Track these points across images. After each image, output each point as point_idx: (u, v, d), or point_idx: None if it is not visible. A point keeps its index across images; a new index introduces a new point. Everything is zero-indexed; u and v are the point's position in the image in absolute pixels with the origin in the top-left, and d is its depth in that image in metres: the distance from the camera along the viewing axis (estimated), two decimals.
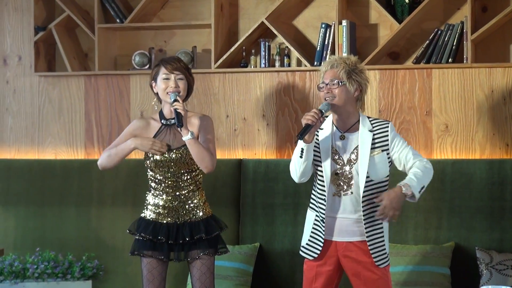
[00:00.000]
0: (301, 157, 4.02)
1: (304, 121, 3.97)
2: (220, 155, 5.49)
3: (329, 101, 4.05)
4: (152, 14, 5.84)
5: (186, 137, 4.33)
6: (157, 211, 4.44)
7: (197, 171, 4.46)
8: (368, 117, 4.17)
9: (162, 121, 4.48)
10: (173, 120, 4.42)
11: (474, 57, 5.23)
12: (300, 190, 5.34)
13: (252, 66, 5.60)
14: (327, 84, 4.06)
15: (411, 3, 5.26)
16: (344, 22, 5.30)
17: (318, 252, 4.11)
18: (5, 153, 6.03)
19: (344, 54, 4.08)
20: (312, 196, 4.20)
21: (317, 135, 4.14)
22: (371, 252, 4.06)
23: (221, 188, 5.46)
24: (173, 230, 4.40)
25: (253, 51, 5.61)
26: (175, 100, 4.33)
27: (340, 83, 4.04)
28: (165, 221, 4.41)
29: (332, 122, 4.14)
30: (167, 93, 4.39)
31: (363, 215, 4.06)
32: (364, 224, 4.06)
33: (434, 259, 5.00)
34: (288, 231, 5.36)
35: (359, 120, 4.13)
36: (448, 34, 5.20)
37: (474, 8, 5.23)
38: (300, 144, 4.02)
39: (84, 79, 5.91)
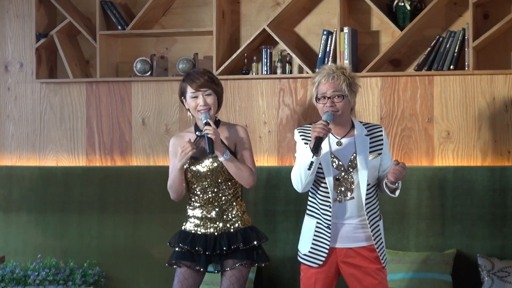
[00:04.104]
0: (309, 169, 3.98)
1: (315, 134, 3.94)
2: None
3: (333, 114, 4.04)
4: (153, 21, 5.85)
5: (222, 159, 4.30)
6: (196, 223, 4.40)
7: (235, 179, 4.45)
8: (360, 122, 4.20)
9: (197, 133, 4.42)
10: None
11: (476, 64, 5.23)
12: (301, 197, 5.31)
13: (254, 73, 5.60)
14: (329, 98, 4.04)
15: (412, 10, 5.26)
16: (345, 29, 5.30)
17: (323, 259, 4.10)
18: (6, 160, 6.03)
19: (340, 62, 4.04)
20: (311, 203, 4.19)
21: None
22: (379, 254, 4.08)
23: None
24: (211, 241, 4.36)
25: (254, 58, 5.62)
26: (207, 124, 4.28)
27: (343, 97, 4.04)
28: (203, 232, 4.38)
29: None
30: (198, 111, 4.35)
31: (368, 219, 4.08)
32: (370, 227, 4.08)
33: (436, 266, 4.99)
34: (290, 238, 5.36)
35: (353, 126, 4.15)
36: (449, 41, 5.21)
37: (476, 15, 5.23)
38: (310, 157, 3.96)
39: (86, 86, 5.91)
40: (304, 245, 4.20)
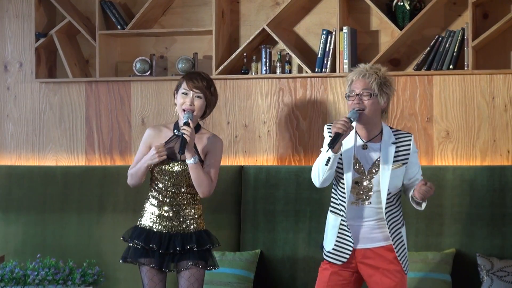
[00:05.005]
0: (326, 165, 3.96)
1: (334, 130, 3.92)
2: (221, 162, 5.48)
3: (359, 113, 4.02)
4: (153, 21, 5.85)
5: (189, 161, 4.34)
6: (153, 219, 4.45)
7: None
8: (391, 127, 4.16)
9: (175, 131, 4.49)
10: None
11: (475, 63, 5.23)
12: (301, 197, 5.34)
13: (253, 73, 5.60)
14: (357, 94, 4.03)
15: (412, 10, 5.26)
16: (345, 29, 5.30)
17: (347, 258, 4.07)
18: (6, 160, 6.03)
19: (365, 64, 4.02)
20: (334, 200, 4.17)
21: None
22: (398, 255, 4.06)
23: (222, 194, 5.46)
24: (165, 239, 4.40)
25: (254, 57, 5.61)
26: (186, 124, 4.32)
27: (371, 95, 4.02)
28: (158, 230, 4.42)
29: (356, 131, 4.10)
30: (183, 109, 4.41)
31: (387, 223, 4.06)
32: (389, 228, 4.06)
33: (435, 266, 4.99)
34: (289, 238, 5.36)
35: (382, 131, 4.11)
36: (449, 40, 5.21)
37: (475, 15, 5.23)
38: (328, 153, 3.94)
39: (85, 86, 5.91)
40: (329, 242, 4.15)
